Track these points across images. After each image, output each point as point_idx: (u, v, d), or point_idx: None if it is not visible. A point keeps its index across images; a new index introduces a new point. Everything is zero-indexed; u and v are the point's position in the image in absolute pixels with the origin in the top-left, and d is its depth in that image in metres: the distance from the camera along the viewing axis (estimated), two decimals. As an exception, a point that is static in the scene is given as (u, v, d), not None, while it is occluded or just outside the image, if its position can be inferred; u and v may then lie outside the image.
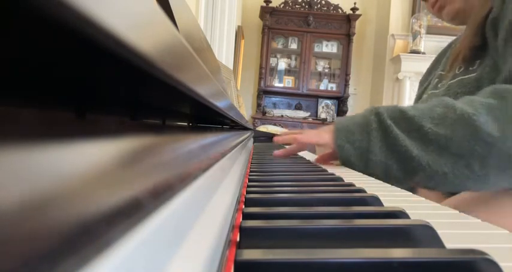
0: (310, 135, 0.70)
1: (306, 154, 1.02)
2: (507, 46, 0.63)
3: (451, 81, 0.75)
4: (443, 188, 0.62)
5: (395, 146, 0.60)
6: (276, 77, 4.01)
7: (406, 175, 0.61)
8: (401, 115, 0.60)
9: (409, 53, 3.57)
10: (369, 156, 0.62)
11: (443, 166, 0.57)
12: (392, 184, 0.49)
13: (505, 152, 0.54)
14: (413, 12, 3.64)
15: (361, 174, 0.62)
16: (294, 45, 3.98)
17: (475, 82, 0.68)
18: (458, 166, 0.56)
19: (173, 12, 0.37)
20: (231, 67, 2.87)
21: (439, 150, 0.57)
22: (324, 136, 0.66)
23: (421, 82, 0.96)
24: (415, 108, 0.61)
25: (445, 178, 0.57)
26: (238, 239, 0.22)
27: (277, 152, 0.83)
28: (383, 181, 0.53)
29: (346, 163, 0.65)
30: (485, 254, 0.18)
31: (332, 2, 3.91)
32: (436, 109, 0.59)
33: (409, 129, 0.59)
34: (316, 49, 3.97)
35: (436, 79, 0.85)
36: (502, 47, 0.64)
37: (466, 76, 0.71)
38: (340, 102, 4.01)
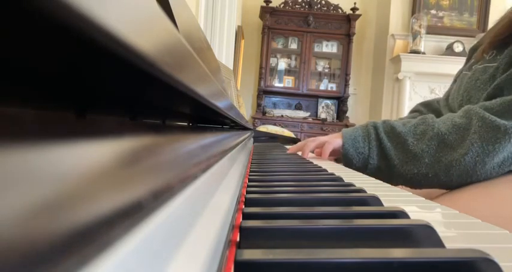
0: (330, 145, 0.84)
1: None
2: None
3: (479, 66, 0.81)
4: (416, 188, 0.78)
5: (386, 155, 0.77)
6: (276, 77, 4.01)
7: (391, 177, 0.77)
8: (392, 130, 0.77)
9: (409, 53, 3.56)
10: (368, 160, 0.79)
11: (417, 174, 0.73)
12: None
13: (464, 167, 0.68)
14: (413, 12, 3.64)
15: (361, 174, 0.63)
16: (294, 45, 3.98)
17: (494, 71, 0.75)
18: (429, 174, 0.72)
19: (173, 12, 0.37)
20: (231, 67, 2.87)
21: (416, 160, 0.73)
22: (337, 141, 0.83)
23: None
24: (404, 124, 0.77)
25: (418, 181, 0.74)
26: (238, 239, 0.22)
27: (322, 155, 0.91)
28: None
29: (348, 163, 0.81)
30: (485, 254, 0.18)
31: (332, 2, 3.91)
32: (419, 127, 0.74)
33: (396, 142, 0.76)
34: (316, 49, 3.97)
35: (473, 60, 0.89)
36: None
37: (491, 64, 0.78)
38: (340, 102, 4.01)
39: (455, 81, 0.94)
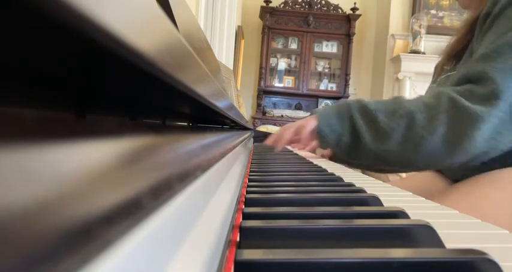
0: (305, 129, 0.84)
1: (306, 154, 1.02)
2: (482, 40, 0.73)
3: (442, 76, 0.87)
4: (383, 166, 0.81)
5: (357, 132, 0.78)
6: (276, 77, 4.01)
7: (361, 155, 0.79)
8: (364, 108, 0.78)
9: (409, 53, 3.56)
10: (341, 138, 0.80)
11: (386, 151, 0.74)
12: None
13: (432, 146, 0.69)
14: (413, 12, 3.63)
15: (361, 174, 0.63)
16: (294, 45, 3.97)
17: (454, 76, 0.79)
18: (397, 150, 0.73)
19: (173, 12, 0.37)
20: (231, 67, 2.87)
21: (385, 138, 0.74)
22: (311, 122, 0.84)
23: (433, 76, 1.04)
24: (376, 103, 0.78)
25: (384, 158, 0.76)
26: (238, 239, 0.22)
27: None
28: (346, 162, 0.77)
29: (322, 142, 0.83)
30: (485, 254, 0.18)
31: (332, 2, 3.91)
32: (390, 106, 0.76)
33: (368, 119, 0.77)
34: (316, 49, 3.97)
35: (436, 75, 0.95)
36: (480, 39, 0.74)
37: (451, 73, 0.83)
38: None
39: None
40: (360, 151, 0.79)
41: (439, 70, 0.91)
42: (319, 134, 0.82)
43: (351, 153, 0.81)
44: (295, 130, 0.87)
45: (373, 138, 0.76)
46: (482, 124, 0.66)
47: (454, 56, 0.85)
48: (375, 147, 0.76)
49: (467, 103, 0.67)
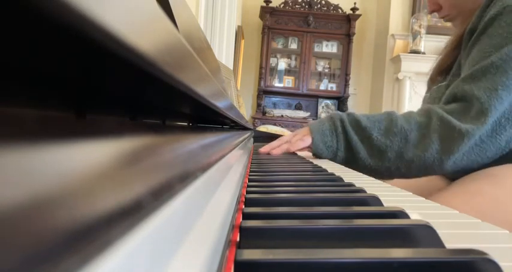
0: (298, 143, 0.88)
1: (305, 154, 1.02)
2: (468, 55, 0.77)
3: (434, 87, 0.91)
4: (379, 178, 0.82)
5: (352, 148, 0.81)
6: (276, 77, 4.01)
7: (357, 169, 0.79)
8: (357, 124, 0.82)
9: (409, 53, 3.56)
10: (336, 153, 0.84)
11: (381, 166, 0.79)
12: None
13: (424, 162, 0.74)
14: (413, 12, 3.64)
15: (361, 174, 0.63)
16: (294, 45, 3.98)
17: (446, 87, 0.85)
18: (392, 167, 0.78)
19: (173, 12, 0.37)
20: (231, 67, 2.87)
21: (380, 155, 0.79)
22: (308, 139, 0.87)
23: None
24: (369, 119, 0.81)
25: (381, 173, 0.80)
26: (238, 239, 0.22)
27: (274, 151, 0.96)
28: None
29: (318, 156, 0.86)
30: (485, 254, 0.18)
31: (332, 2, 3.91)
32: (383, 123, 0.80)
33: (362, 136, 0.81)
34: (316, 49, 3.97)
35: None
36: (466, 55, 0.79)
37: (442, 83, 0.88)
38: (340, 102, 4.00)
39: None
40: (356, 164, 0.82)
41: (431, 84, 0.96)
42: (315, 150, 0.86)
43: (347, 165, 0.84)
44: (292, 146, 0.90)
45: (368, 154, 0.80)
46: (471, 140, 0.71)
47: (444, 70, 0.90)
48: (370, 162, 0.80)
49: (456, 122, 0.72)
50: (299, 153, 1.01)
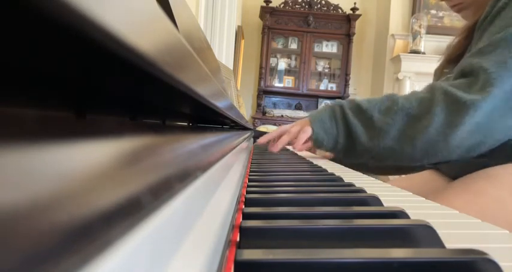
0: (301, 136, 0.86)
1: (304, 154, 1.02)
2: (480, 41, 0.73)
3: (443, 78, 0.87)
4: (381, 163, 0.82)
5: (353, 132, 0.79)
6: (276, 77, 4.00)
7: (358, 155, 0.80)
8: (357, 107, 0.79)
9: (409, 53, 3.56)
10: (337, 139, 0.82)
11: (383, 148, 0.75)
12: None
13: (428, 138, 0.70)
14: (413, 12, 3.63)
15: (361, 173, 0.63)
16: (294, 45, 3.97)
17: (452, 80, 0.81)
18: (394, 147, 0.74)
19: (173, 12, 0.37)
20: (231, 67, 2.87)
21: (382, 134, 0.75)
22: (309, 129, 0.85)
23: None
24: (368, 101, 0.79)
25: (382, 155, 0.77)
26: (238, 239, 0.22)
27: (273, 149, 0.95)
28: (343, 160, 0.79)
29: (319, 145, 0.85)
30: (485, 254, 0.18)
31: (332, 2, 3.91)
32: (384, 103, 0.77)
33: (362, 118, 0.78)
34: (316, 49, 3.97)
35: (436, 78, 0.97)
36: (476, 43, 0.75)
37: (451, 75, 0.84)
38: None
39: None
40: (357, 151, 0.80)
41: (439, 74, 0.92)
42: (316, 139, 0.83)
43: (348, 153, 0.82)
44: (292, 136, 0.88)
45: (369, 137, 0.77)
46: (477, 112, 0.66)
47: (453, 60, 0.86)
48: (372, 146, 0.77)
49: (461, 93, 0.68)
50: (299, 153, 1.01)
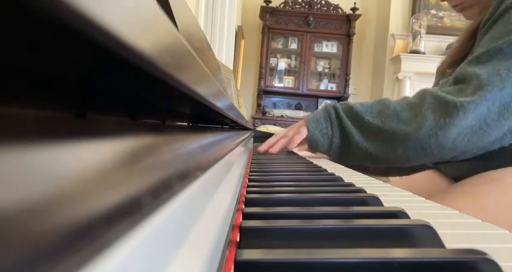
0: (296, 138, 0.88)
1: (304, 154, 1.02)
2: (481, 41, 0.74)
3: (444, 80, 0.88)
4: (376, 164, 0.84)
5: (347, 133, 0.82)
6: (276, 77, 4.01)
7: (352, 156, 0.83)
8: (350, 110, 0.82)
9: (409, 53, 3.56)
10: (332, 140, 0.84)
11: (376, 148, 0.78)
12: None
13: (419, 140, 0.73)
14: (413, 12, 3.63)
15: (361, 173, 0.63)
16: (294, 45, 3.98)
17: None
18: (387, 148, 0.77)
19: (173, 12, 0.37)
20: (231, 67, 2.87)
21: (373, 136, 0.78)
22: (304, 130, 0.87)
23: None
24: (361, 105, 0.82)
25: (376, 156, 0.79)
26: (238, 239, 0.22)
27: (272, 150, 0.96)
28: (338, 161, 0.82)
29: (314, 146, 0.87)
30: (485, 254, 0.18)
31: (332, 2, 3.91)
32: (376, 107, 0.80)
33: (355, 120, 0.81)
34: (316, 49, 3.97)
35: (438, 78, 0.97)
36: (477, 45, 0.76)
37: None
38: (340, 102, 4.00)
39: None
40: (351, 151, 0.82)
41: (441, 73, 0.93)
42: (310, 137, 0.86)
43: (343, 153, 0.84)
44: (289, 139, 0.90)
45: (362, 137, 0.80)
46: (467, 114, 0.67)
47: (457, 61, 0.86)
48: (365, 146, 0.79)
49: (451, 96, 0.70)
50: (299, 153, 1.01)
